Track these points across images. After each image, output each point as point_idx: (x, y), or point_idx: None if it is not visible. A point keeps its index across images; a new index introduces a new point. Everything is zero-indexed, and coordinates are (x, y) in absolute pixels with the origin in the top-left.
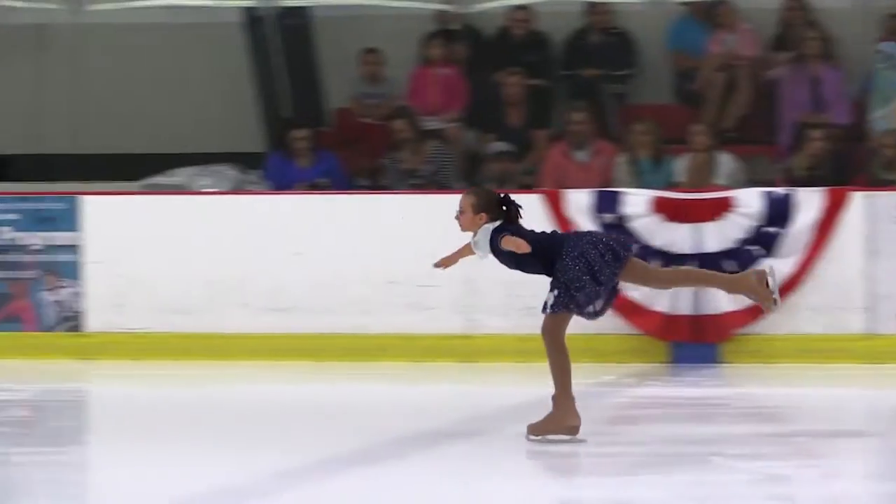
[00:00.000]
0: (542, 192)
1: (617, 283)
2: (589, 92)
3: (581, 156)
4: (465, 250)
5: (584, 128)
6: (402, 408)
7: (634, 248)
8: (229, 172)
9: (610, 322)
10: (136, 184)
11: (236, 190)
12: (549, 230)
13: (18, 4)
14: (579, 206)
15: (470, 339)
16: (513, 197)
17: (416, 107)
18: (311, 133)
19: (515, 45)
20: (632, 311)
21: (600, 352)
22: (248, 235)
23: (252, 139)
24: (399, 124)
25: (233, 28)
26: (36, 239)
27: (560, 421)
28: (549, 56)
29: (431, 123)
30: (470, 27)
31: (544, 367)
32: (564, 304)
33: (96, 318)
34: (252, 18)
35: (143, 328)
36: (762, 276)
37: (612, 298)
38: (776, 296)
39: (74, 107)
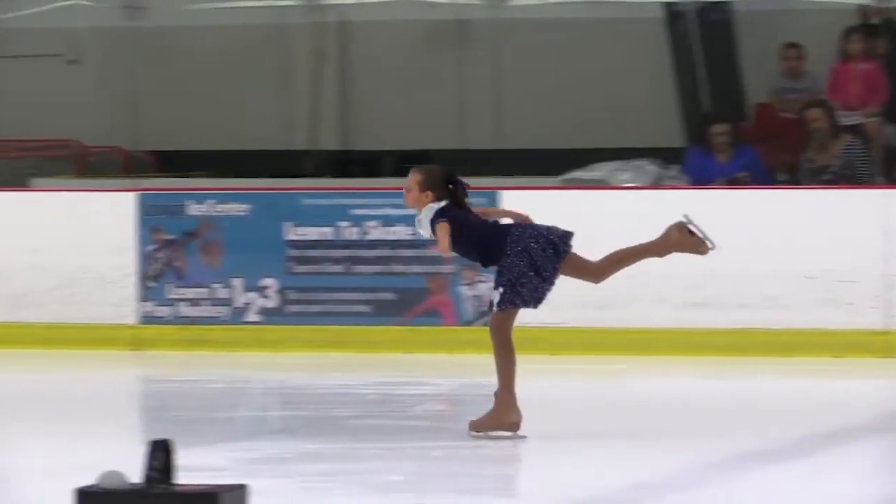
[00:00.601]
0: None
1: (557, 276)
2: None
3: None
4: None
5: None
6: (817, 403)
7: (572, 240)
8: (649, 167)
9: None
10: (555, 179)
11: (656, 185)
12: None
13: (440, 0)
14: None
15: (889, 334)
16: (459, 177)
17: (835, 102)
18: (730, 128)
19: None
20: None
21: None
22: None
23: (672, 134)
24: (814, 113)
25: (653, 23)
26: None
27: (502, 417)
28: None
29: (850, 119)
30: (891, 22)
31: None
32: (510, 300)
33: None
34: (673, 13)
35: (561, 322)
36: (682, 227)
37: (551, 287)
38: (706, 237)
39: (495, 102)
